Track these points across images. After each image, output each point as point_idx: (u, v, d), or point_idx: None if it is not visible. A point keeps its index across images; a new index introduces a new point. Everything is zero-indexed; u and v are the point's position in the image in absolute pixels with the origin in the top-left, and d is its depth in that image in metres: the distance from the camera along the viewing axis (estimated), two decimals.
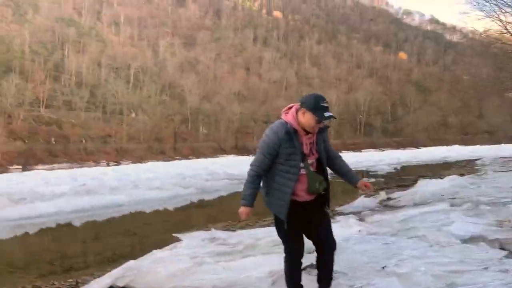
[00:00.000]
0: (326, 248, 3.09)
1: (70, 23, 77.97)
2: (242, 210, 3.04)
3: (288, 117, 2.99)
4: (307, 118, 2.93)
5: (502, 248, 4.70)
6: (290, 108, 3.05)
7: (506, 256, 4.38)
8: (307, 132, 2.98)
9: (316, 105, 2.91)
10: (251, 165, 3.08)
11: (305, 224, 3.08)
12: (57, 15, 79.73)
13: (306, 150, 2.98)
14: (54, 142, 51.08)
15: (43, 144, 49.59)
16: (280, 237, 3.15)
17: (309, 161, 2.99)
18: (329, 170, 3.19)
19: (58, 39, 73.66)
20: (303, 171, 2.97)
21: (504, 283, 3.52)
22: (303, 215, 3.05)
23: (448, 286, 3.53)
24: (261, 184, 3.11)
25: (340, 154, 3.30)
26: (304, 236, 3.15)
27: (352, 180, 3.18)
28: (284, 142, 2.92)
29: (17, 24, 70.61)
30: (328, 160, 3.15)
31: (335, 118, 3.03)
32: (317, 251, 3.15)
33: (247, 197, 3.03)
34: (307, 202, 3.04)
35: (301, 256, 3.13)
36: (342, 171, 3.20)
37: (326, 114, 2.91)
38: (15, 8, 76.73)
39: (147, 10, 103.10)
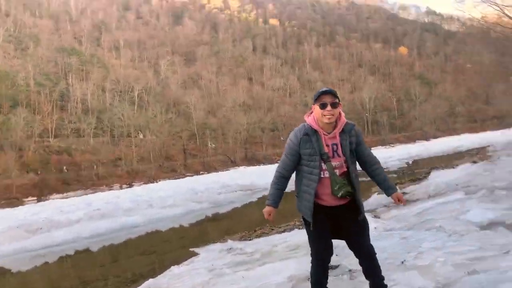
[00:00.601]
0: (361, 253, 3.02)
1: (72, 52, 78.90)
2: (266, 209, 3.07)
3: (308, 119, 3.05)
4: (315, 111, 2.99)
5: None
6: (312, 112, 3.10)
7: None
8: (328, 133, 2.98)
9: (317, 94, 3.00)
10: (277, 167, 3.18)
11: (335, 229, 3.03)
12: (58, 46, 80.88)
13: (327, 150, 2.95)
14: (66, 171, 51.49)
15: (55, 174, 49.99)
16: (309, 240, 3.12)
17: (333, 163, 2.95)
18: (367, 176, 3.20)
19: (61, 69, 74.56)
20: (326, 174, 2.95)
21: None
22: (332, 219, 3.01)
23: (470, 274, 3.47)
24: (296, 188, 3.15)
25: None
26: (333, 241, 3.10)
27: (387, 190, 3.12)
28: (304, 143, 2.98)
29: (19, 59, 71.70)
30: (364, 165, 3.12)
31: (335, 94, 2.94)
32: (356, 257, 3.08)
33: (270, 197, 3.10)
34: (336, 207, 2.99)
35: (326, 259, 3.07)
36: (378, 179, 3.13)
37: (321, 90, 2.98)
38: (16, 43, 77.95)
39: (145, 32, 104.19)
